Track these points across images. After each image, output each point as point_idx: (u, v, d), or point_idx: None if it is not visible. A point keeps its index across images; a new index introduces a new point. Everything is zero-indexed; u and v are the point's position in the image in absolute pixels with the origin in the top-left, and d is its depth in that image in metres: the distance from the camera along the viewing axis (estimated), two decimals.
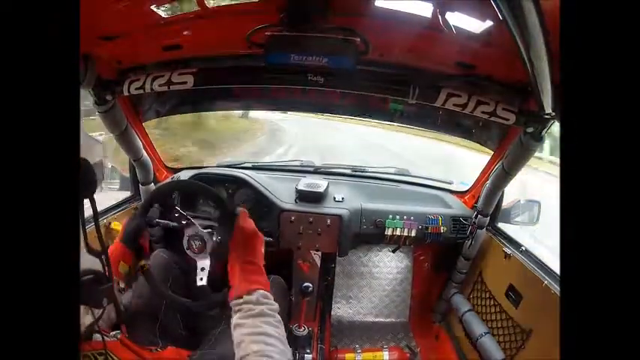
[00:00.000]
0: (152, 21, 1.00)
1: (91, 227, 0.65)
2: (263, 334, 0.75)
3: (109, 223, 1.53)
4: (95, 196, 0.65)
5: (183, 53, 1.19)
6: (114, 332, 0.79)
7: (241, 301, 0.81)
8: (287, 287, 1.46)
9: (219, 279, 1.18)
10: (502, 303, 1.50)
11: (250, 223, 0.94)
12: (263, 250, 0.93)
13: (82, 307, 0.61)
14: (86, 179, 0.60)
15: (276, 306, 0.83)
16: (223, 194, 0.98)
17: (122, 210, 1.66)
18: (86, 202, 0.64)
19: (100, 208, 0.73)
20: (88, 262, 0.65)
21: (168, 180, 1.10)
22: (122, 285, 1.15)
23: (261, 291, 0.83)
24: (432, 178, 2.05)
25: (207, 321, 1.24)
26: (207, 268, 1.10)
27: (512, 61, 0.81)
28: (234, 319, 0.80)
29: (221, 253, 1.07)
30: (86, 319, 0.63)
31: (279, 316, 0.81)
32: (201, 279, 1.10)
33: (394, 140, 9.34)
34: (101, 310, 0.70)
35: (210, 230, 1.15)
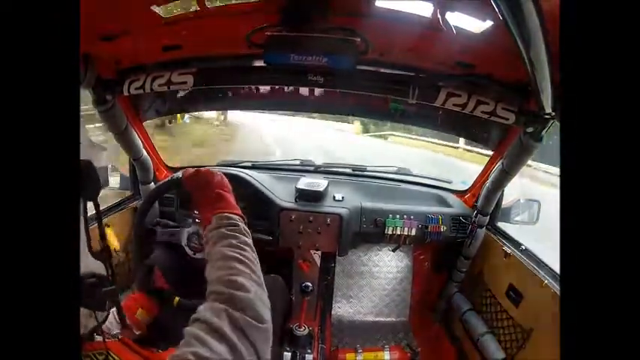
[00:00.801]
0: (152, 21, 1.00)
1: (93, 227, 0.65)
2: (249, 247, 0.65)
3: (108, 225, 1.52)
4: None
5: (183, 53, 1.19)
6: (115, 332, 0.79)
7: (223, 214, 0.70)
8: (286, 286, 1.46)
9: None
10: (502, 302, 1.50)
11: (195, 170, 0.82)
12: (222, 181, 0.81)
13: (85, 311, 0.61)
14: (89, 181, 0.60)
15: (240, 226, 0.69)
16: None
17: (122, 210, 1.67)
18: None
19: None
20: (91, 265, 0.65)
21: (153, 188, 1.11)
22: (137, 332, 1.15)
23: (221, 213, 0.71)
24: (431, 178, 2.05)
25: None
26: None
27: (512, 60, 0.81)
28: (212, 234, 0.68)
29: None
30: (89, 322, 0.63)
31: (243, 237, 0.67)
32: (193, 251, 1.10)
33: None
34: (105, 314, 0.71)
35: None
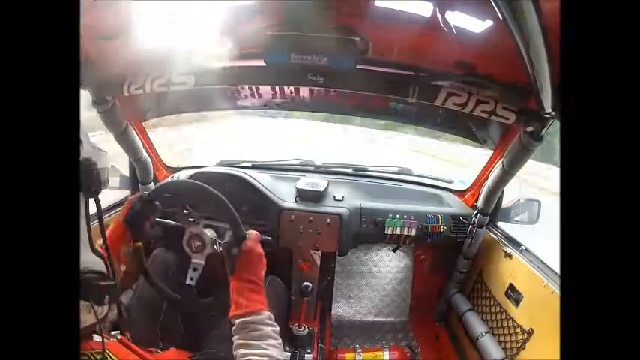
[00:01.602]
0: (152, 21, 0.99)
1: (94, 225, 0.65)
2: (268, 357, 0.75)
3: (108, 225, 1.52)
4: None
5: (183, 53, 1.19)
6: (114, 332, 0.79)
7: (248, 319, 0.81)
8: (285, 287, 1.46)
9: (209, 286, 1.16)
10: (502, 302, 1.50)
11: (258, 247, 0.95)
12: (263, 275, 0.94)
13: (84, 306, 0.61)
14: (90, 179, 0.60)
15: (278, 328, 0.83)
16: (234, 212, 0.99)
17: (122, 210, 1.66)
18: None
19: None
20: (90, 261, 0.65)
21: (191, 181, 1.10)
22: (123, 268, 1.14)
23: (268, 312, 0.84)
24: (431, 177, 2.05)
25: (208, 322, 1.24)
26: (200, 270, 1.09)
27: (512, 60, 0.81)
28: (238, 338, 0.79)
29: (217, 261, 1.07)
30: (88, 317, 0.63)
31: (280, 339, 0.81)
32: (191, 278, 1.09)
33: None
34: (104, 310, 0.70)
35: (213, 234, 1.14)
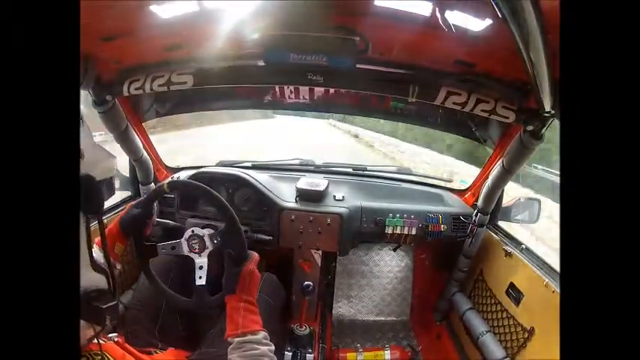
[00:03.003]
0: (152, 21, 1.00)
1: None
2: None
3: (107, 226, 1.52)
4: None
5: (183, 53, 1.19)
6: (112, 335, 0.79)
7: (245, 339, 0.85)
8: (281, 285, 1.47)
9: (215, 282, 1.17)
10: (503, 301, 1.50)
11: (255, 269, 0.99)
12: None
13: (84, 323, 0.61)
14: (90, 196, 0.59)
15: (273, 348, 0.87)
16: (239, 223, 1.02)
17: (122, 210, 1.66)
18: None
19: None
20: (91, 278, 0.65)
21: (195, 183, 1.11)
22: (118, 267, 1.14)
23: (264, 332, 0.88)
24: (432, 177, 2.04)
25: (206, 321, 1.24)
26: (206, 267, 1.10)
27: (511, 59, 0.81)
28: (236, 356, 0.82)
29: (219, 257, 1.08)
30: (87, 332, 0.63)
31: (275, 358, 0.86)
32: (200, 277, 1.10)
33: None
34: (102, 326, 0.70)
35: (210, 231, 1.15)
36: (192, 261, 1.12)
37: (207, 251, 1.12)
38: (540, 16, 0.58)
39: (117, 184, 1.82)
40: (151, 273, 1.15)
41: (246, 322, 0.87)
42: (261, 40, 1.01)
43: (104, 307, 0.63)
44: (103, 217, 0.69)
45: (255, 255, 0.99)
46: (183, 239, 1.15)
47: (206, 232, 1.12)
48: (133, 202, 1.17)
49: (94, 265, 0.65)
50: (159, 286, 1.14)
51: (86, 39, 1.02)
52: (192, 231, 1.13)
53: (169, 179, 1.18)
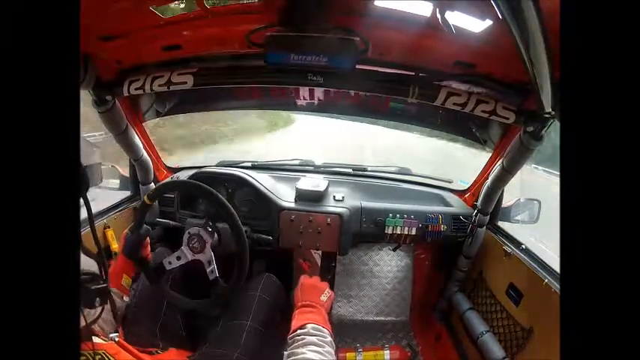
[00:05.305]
0: (152, 21, 1.00)
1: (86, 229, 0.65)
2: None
3: (108, 226, 1.53)
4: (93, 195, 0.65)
5: (183, 53, 1.19)
6: (112, 334, 0.79)
7: (294, 334, 0.88)
8: (281, 285, 1.47)
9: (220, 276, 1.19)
10: (502, 301, 1.50)
11: (309, 280, 1.11)
12: (325, 299, 1.06)
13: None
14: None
15: (329, 339, 0.88)
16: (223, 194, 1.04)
17: (122, 210, 1.67)
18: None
19: (100, 207, 0.73)
20: (82, 262, 0.65)
21: (172, 182, 1.13)
22: (126, 298, 1.16)
23: (313, 324, 0.90)
24: (431, 177, 2.05)
25: (207, 321, 1.24)
26: (213, 262, 1.13)
27: (511, 60, 0.81)
28: (285, 353, 0.84)
29: (220, 251, 1.09)
30: (80, 320, 0.63)
31: (330, 348, 0.86)
32: (212, 272, 1.14)
33: None
34: (96, 313, 0.70)
35: (209, 228, 1.15)
36: (199, 262, 1.13)
37: (208, 245, 1.12)
38: (541, 17, 0.58)
39: (117, 184, 1.83)
40: (171, 294, 1.19)
41: (297, 322, 0.92)
42: (262, 41, 1.01)
43: (93, 287, 0.63)
44: (103, 218, 0.69)
45: (304, 276, 1.11)
46: (184, 246, 1.17)
47: (199, 228, 1.14)
48: (125, 231, 1.21)
49: (85, 250, 0.65)
50: (188, 304, 1.20)
51: (86, 39, 1.02)
52: (189, 233, 1.15)
53: (150, 192, 1.22)
